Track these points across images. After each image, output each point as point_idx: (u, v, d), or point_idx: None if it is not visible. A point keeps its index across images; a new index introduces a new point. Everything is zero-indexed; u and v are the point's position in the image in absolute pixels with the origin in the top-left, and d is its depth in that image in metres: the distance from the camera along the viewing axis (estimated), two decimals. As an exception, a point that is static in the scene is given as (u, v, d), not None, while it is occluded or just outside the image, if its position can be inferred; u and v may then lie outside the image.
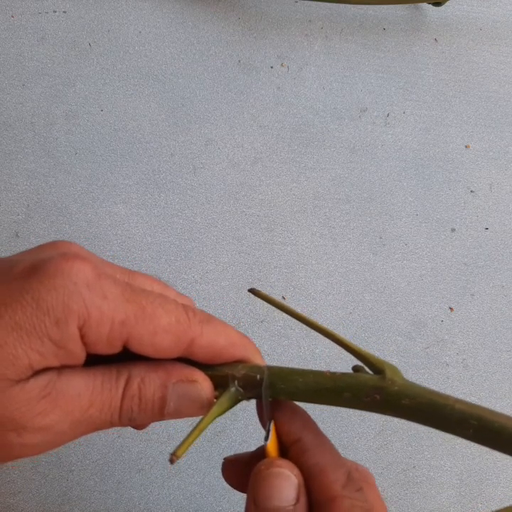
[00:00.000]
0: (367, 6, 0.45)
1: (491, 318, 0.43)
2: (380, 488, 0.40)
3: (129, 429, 0.39)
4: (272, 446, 0.24)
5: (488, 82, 0.45)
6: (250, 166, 0.43)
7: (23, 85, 0.42)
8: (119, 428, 0.39)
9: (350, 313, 0.42)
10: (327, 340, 0.41)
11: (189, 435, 0.23)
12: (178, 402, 0.24)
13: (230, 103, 0.43)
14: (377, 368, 0.24)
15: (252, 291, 0.27)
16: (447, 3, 0.44)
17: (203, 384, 0.24)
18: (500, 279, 0.43)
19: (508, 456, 0.42)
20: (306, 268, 0.42)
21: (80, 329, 0.22)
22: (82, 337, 0.22)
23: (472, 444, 0.41)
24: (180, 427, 0.39)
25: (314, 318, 0.41)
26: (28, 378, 0.22)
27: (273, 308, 0.41)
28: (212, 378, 0.25)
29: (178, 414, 0.24)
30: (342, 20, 0.45)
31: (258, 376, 0.24)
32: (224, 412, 0.24)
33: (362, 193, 0.43)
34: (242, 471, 0.26)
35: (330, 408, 0.41)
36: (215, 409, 0.24)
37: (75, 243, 0.25)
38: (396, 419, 0.41)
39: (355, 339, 0.41)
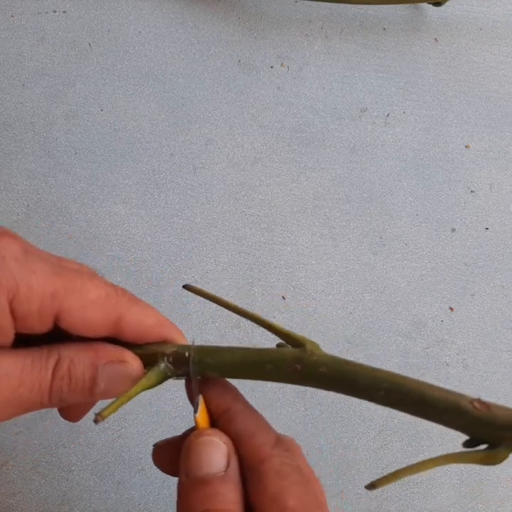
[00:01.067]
0: (367, 6, 0.45)
1: (491, 318, 0.43)
2: (380, 488, 0.40)
3: (130, 429, 0.39)
4: (201, 418, 0.25)
5: (488, 82, 0.45)
6: (250, 166, 0.43)
7: (23, 85, 0.42)
8: (119, 428, 0.39)
9: (350, 313, 0.42)
10: (326, 341, 0.41)
11: (116, 400, 0.24)
12: (109, 382, 0.24)
13: (230, 103, 0.43)
14: (299, 343, 0.25)
15: (186, 287, 0.28)
16: (447, 3, 0.44)
17: (132, 363, 0.25)
18: (500, 279, 0.43)
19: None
20: (306, 268, 0.42)
21: (10, 303, 0.22)
22: (12, 311, 0.22)
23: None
24: (180, 427, 0.39)
25: (314, 318, 0.42)
26: None
27: (273, 308, 0.41)
28: (141, 357, 0.25)
29: (108, 393, 0.25)
30: (342, 20, 0.45)
31: (187, 353, 0.25)
32: (153, 386, 0.25)
33: (362, 193, 0.43)
34: (174, 454, 0.26)
35: (330, 409, 0.41)
36: (143, 382, 0.25)
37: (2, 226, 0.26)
38: (396, 419, 0.41)
39: (355, 339, 0.41)
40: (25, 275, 0.22)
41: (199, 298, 0.41)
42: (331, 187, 0.43)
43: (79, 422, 0.39)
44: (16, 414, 0.24)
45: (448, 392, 0.23)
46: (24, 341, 0.24)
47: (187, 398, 0.27)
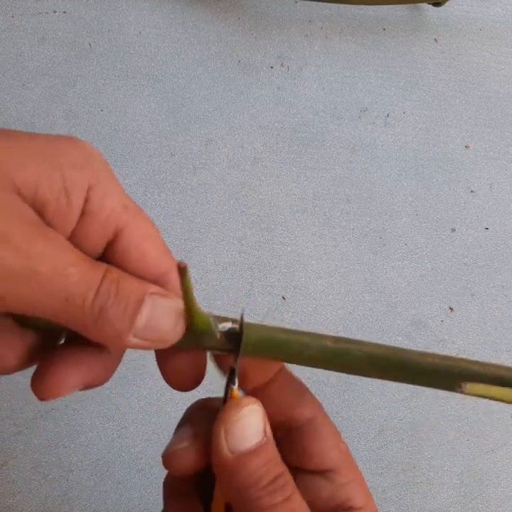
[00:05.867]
0: (367, 6, 0.45)
1: (491, 318, 0.43)
2: (380, 488, 0.40)
3: (130, 429, 0.39)
4: (235, 391, 0.24)
5: (488, 82, 0.45)
6: (250, 166, 0.43)
7: (23, 85, 0.42)
8: (119, 428, 0.39)
9: (350, 313, 0.42)
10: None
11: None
12: (152, 315, 0.22)
13: (230, 103, 0.43)
14: None
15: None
16: (447, 3, 0.44)
17: (179, 301, 0.23)
18: (500, 279, 0.43)
19: (508, 457, 0.42)
20: (306, 268, 0.42)
21: (89, 189, 0.22)
22: (86, 200, 0.22)
23: (472, 443, 0.41)
24: (180, 427, 0.39)
25: (314, 318, 0.42)
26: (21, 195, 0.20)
27: (273, 308, 0.41)
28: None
29: (147, 331, 0.22)
30: (342, 20, 0.45)
31: (230, 323, 0.24)
32: (197, 324, 0.23)
33: (362, 193, 0.43)
34: (194, 452, 0.25)
35: (329, 409, 0.41)
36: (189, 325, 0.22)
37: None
38: (396, 419, 0.41)
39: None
40: (109, 174, 0.22)
41: (199, 298, 0.41)
42: (331, 187, 0.43)
43: (79, 422, 0.39)
44: (56, 297, 0.20)
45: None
46: None
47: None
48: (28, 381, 0.23)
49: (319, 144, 0.43)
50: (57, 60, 0.42)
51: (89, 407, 0.39)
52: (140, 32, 0.43)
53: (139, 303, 0.22)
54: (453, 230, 0.43)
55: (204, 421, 0.25)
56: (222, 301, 0.41)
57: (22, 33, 0.42)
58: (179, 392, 0.26)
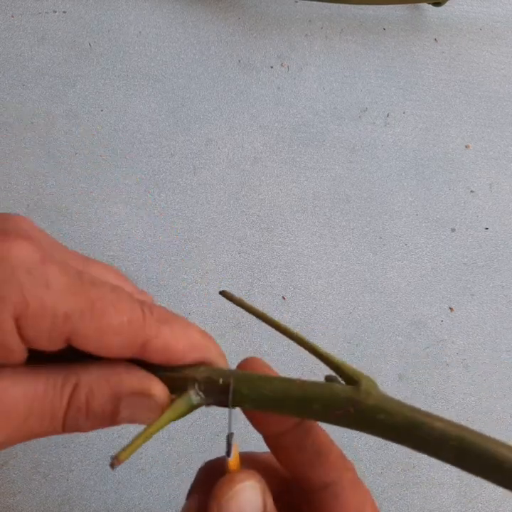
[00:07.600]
0: (367, 6, 0.45)
1: (491, 318, 0.43)
2: (380, 488, 0.40)
3: (130, 429, 0.39)
4: (233, 461, 0.23)
5: (488, 82, 0.45)
6: (250, 166, 0.43)
7: (23, 85, 0.42)
8: (119, 427, 0.39)
9: (350, 313, 0.42)
10: (326, 341, 0.41)
11: (134, 439, 0.21)
12: (132, 413, 0.22)
13: (230, 103, 0.43)
14: (352, 379, 0.21)
15: (222, 293, 0.25)
16: (447, 3, 0.44)
17: (160, 395, 0.22)
18: (500, 279, 0.43)
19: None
20: (306, 268, 0.42)
21: (16, 321, 0.20)
22: (19, 330, 0.20)
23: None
24: (180, 427, 0.39)
25: (314, 318, 0.42)
26: None
27: (273, 308, 0.41)
28: (169, 380, 0.22)
29: (132, 421, 0.22)
30: (342, 20, 0.45)
31: (221, 380, 0.22)
32: (179, 417, 0.22)
33: (362, 193, 0.43)
34: None
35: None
36: (168, 415, 0.22)
37: (27, 219, 0.23)
38: (396, 419, 0.41)
39: (355, 339, 0.41)
40: (37, 291, 0.20)
41: (199, 298, 0.41)
42: (331, 187, 0.43)
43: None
44: (25, 440, 0.21)
45: None
46: (37, 356, 0.21)
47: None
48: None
49: (319, 144, 0.43)
50: (57, 60, 0.42)
51: (89, 407, 0.39)
52: (140, 32, 0.43)
53: (114, 411, 0.22)
54: (453, 230, 0.43)
55: (211, 489, 0.24)
56: (222, 301, 0.41)
57: (22, 32, 0.42)
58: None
